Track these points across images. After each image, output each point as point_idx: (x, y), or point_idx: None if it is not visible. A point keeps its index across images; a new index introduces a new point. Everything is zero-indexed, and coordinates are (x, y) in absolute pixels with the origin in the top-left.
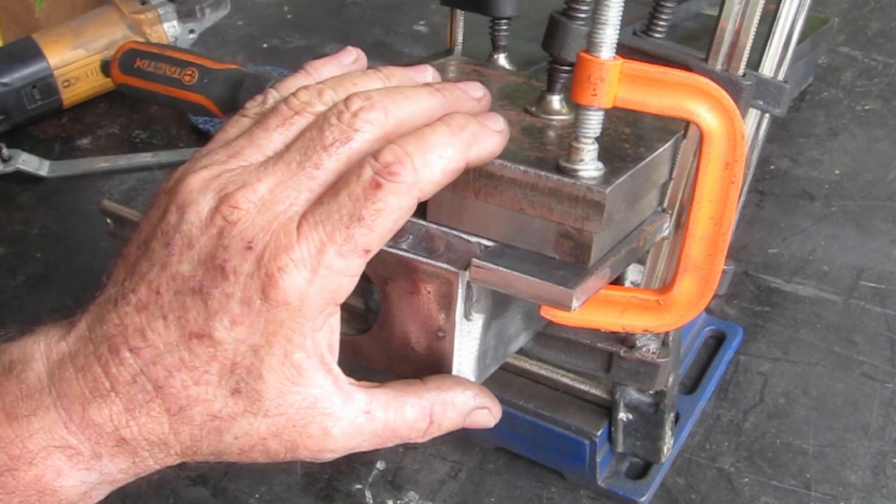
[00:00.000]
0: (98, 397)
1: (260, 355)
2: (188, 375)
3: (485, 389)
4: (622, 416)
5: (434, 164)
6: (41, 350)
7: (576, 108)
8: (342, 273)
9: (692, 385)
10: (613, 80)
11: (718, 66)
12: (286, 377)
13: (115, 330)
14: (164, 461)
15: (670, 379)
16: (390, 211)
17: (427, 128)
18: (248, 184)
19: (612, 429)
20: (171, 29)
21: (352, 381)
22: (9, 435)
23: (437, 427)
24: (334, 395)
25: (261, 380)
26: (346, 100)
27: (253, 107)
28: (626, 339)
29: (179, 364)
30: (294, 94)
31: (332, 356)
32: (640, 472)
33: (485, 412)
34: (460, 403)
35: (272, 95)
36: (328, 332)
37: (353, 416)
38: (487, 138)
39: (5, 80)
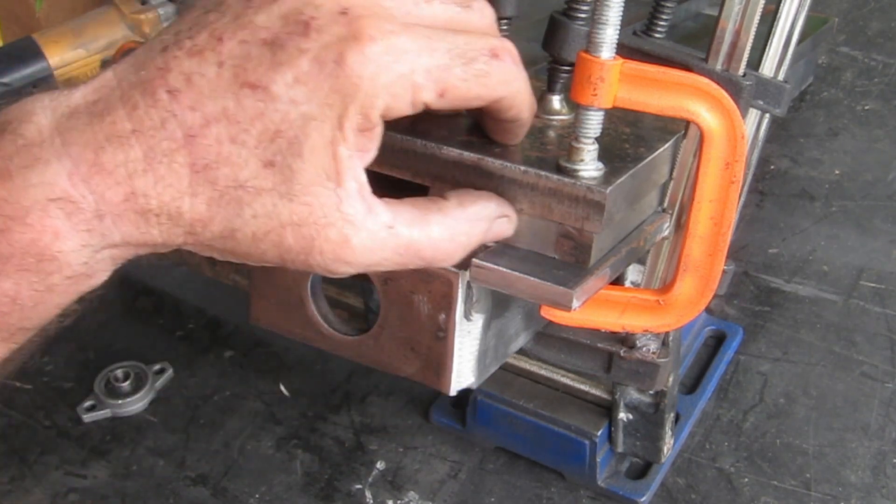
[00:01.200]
0: (114, 141)
1: (308, 130)
2: (226, 129)
3: (501, 199)
4: (622, 416)
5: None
6: (44, 104)
7: (576, 108)
8: (418, 88)
9: (692, 385)
10: (613, 80)
11: (718, 66)
12: (323, 165)
13: (155, 73)
14: (169, 234)
15: (670, 379)
16: (489, 82)
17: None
18: None
19: (612, 429)
20: None
21: (375, 196)
22: (1, 194)
23: (465, 245)
24: (358, 202)
25: (300, 158)
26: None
27: None
28: (626, 339)
29: (221, 114)
30: None
31: (362, 172)
32: (640, 472)
33: (504, 221)
34: (485, 216)
35: None
36: (373, 141)
37: (375, 229)
38: None
39: (5, 80)
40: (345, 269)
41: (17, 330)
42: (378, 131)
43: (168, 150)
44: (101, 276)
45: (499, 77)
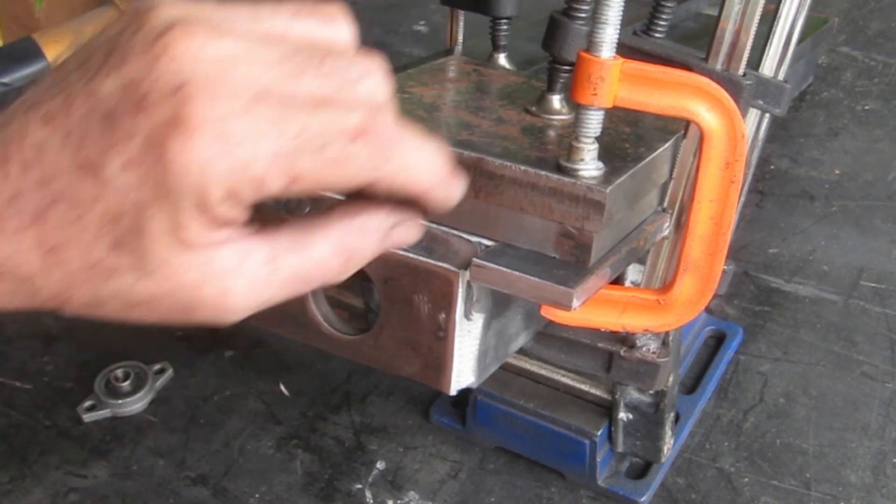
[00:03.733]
0: None
1: (146, 217)
2: (69, 211)
3: (396, 206)
4: (622, 416)
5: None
6: None
7: (576, 107)
8: (262, 179)
9: (692, 385)
10: (614, 80)
11: (718, 66)
12: (175, 242)
13: (14, 136)
14: (31, 303)
15: (670, 379)
16: (349, 169)
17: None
18: (223, 30)
19: (612, 429)
20: None
21: (249, 230)
22: None
23: (356, 260)
24: (231, 253)
25: (147, 238)
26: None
27: None
28: (626, 339)
29: (64, 193)
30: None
31: (231, 208)
32: (640, 472)
33: (402, 228)
34: (374, 226)
35: None
36: (228, 217)
37: (254, 271)
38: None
39: (5, 80)
40: (233, 318)
41: None
42: (226, 214)
43: (17, 229)
44: None
45: (361, 162)
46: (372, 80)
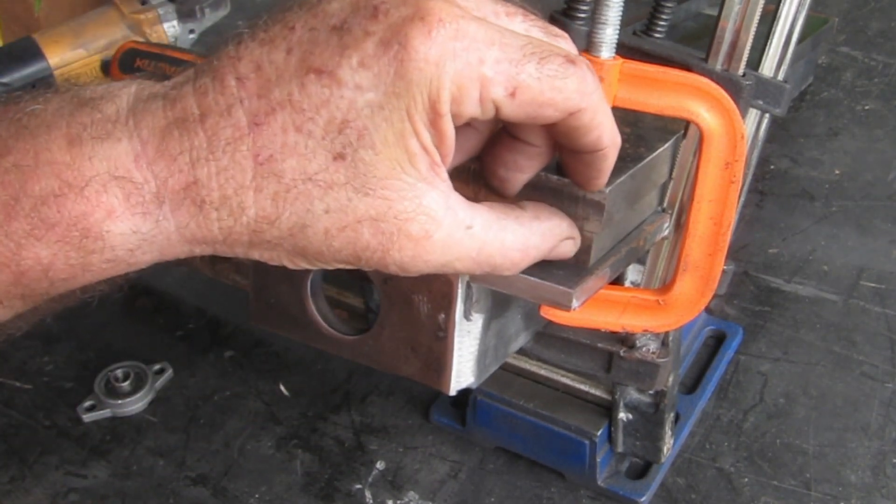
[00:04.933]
0: (181, 126)
1: (376, 121)
2: (291, 117)
3: (572, 221)
4: (622, 416)
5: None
6: (130, 89)
7: None
8: (488, 82)
9: (692, 385)
10: (613, 80)
11: (718, 66)
12: (398, 158)
13: (227, 62)
14: (230, 231)
15: (670, 379)
16: (565, 87)
17: None
18: None
19: (612, 429)
20: (171, 29)
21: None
22: (65, 159)
23: (529, 259)
24: (439, 197)
25: (372, 150)
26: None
27: None
28: (626, 339)
29: (286, 101)
30: None
31: (441, 161)
32: (640, 472)
33: (570, 242)
34: (557, 233)
35: None
36: (445, 138)
37: (454, 228)
38: None
39: (5, 80)
40: (421, 268)
41: (38, 296)
42: (448, 127)
43: (232, 139)
44: (141, 265)
45: (575, 84)
46: (573, 46)
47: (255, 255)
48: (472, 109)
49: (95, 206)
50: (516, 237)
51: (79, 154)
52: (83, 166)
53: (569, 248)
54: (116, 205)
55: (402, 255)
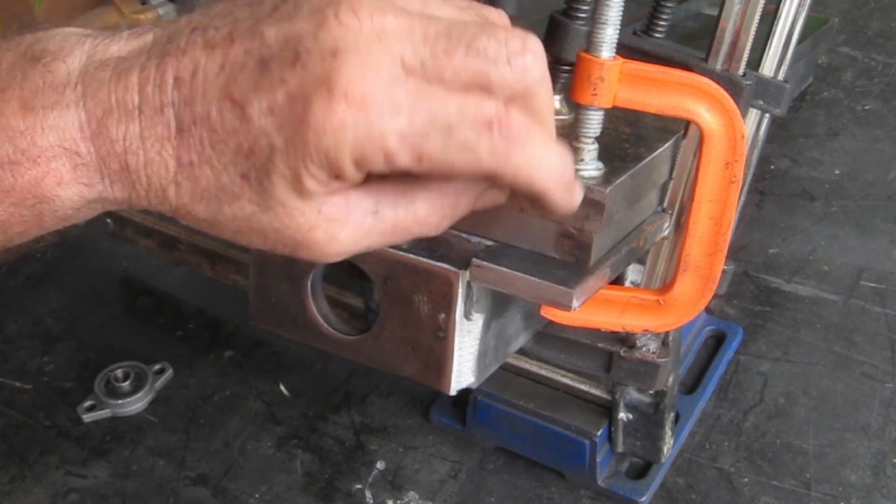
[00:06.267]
0: (121, 111)
1: (275, 160)
2: (208, 133)
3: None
4: (622, 416)
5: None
6: (83, 47)
7: (576, 107)
8: (391, 153)
9: (692, 385)
10: (613, 80)
11: (718, 66)
12: (296, 189)
13: (175, 52)
14: (160, 207)
15: (670, 379)
16: (476, 156)
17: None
18: (389, 4)
19: (612, 429)
20: None
21: (358, 184)
22: (19, 126)
23: (450, 218)
24: (340, 201)
25: (269, 180)
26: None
27: None
28: (626, 339)
29: (205, 118)
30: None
31: (355, 174)
32: (640, 472)
33: (495, 191)
34: (470, 187)
35: None
36: (350, 180)
37: (360, 220)
38: None
39: None
40: (334, 258)
41: None
42: (352, 175)
43: (161, 137)
44: (89, 215)
45: (486, 153)
46: (526, 56)
47: (192, 226)
48: (378, 168)
49: (46, 173)
50: (427, 204)
51: (31, 122)
52: (36, 135)
53: (495, 196)
54: (65, 174)
55: (312, 254)
